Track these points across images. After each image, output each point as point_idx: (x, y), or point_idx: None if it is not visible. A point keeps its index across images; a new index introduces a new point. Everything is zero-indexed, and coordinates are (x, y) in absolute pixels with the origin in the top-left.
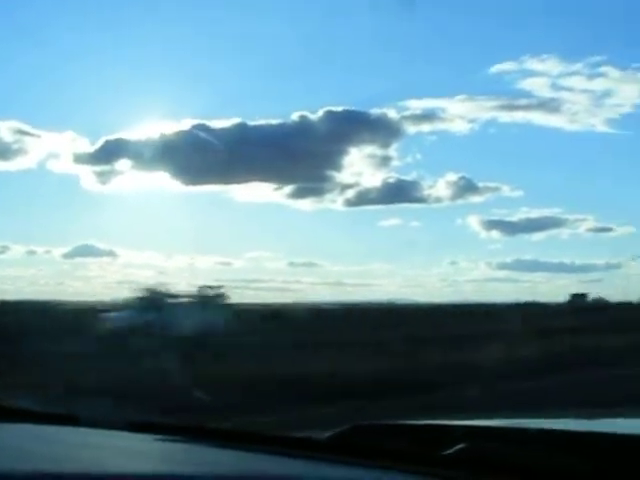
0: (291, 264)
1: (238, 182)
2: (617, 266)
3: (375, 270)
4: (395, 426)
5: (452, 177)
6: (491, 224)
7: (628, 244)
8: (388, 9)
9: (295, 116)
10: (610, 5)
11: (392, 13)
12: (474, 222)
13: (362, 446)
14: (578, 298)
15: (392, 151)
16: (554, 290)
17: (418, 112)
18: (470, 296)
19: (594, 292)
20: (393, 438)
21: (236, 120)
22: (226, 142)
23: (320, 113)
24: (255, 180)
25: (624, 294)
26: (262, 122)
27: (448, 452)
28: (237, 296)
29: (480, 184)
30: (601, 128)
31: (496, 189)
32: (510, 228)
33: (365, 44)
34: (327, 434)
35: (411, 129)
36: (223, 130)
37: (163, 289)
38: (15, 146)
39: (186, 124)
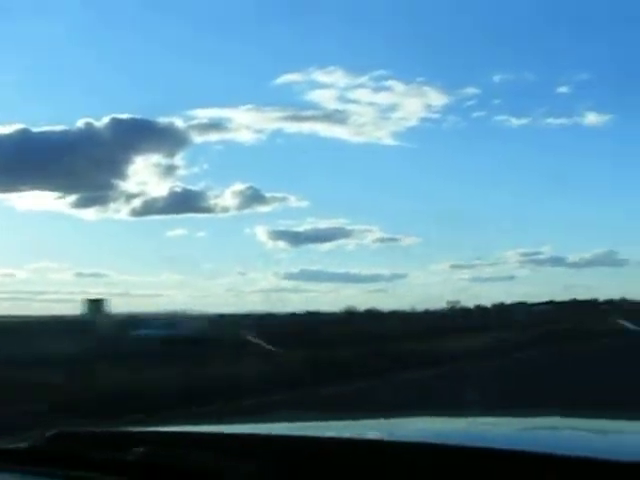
0: (78, 275)
1: (19, 190)
2: (403, 276)
3: (163, 280)
4: (90, 433)
5: (239, 187)
6: (278, 234)
7: (414, 254)
8: (176, 15)
9: (80, 123)
10: (395, 20)
11: (179, 19)
12: (261, 232)
13: (58, 454)
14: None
15: (179, 160)
16: (342, 300)
17: (205, 121)
18: (258, 306)
19: (381, 301)
20: (88, 445)
21: (19, 126)
22: (7, 149)
23: (105, 120)
24: (37, 188)
25: (410, 303)
26: (46, 129)
27: (124, 458)
28: (21, 308)
29: (267, 194)
30: (387, 141)
31: (283, 199)
32: (297, 238)
33: (154, 51)
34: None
35: (198, 138)
36: (4, 136)
37: None
38: None
39: None
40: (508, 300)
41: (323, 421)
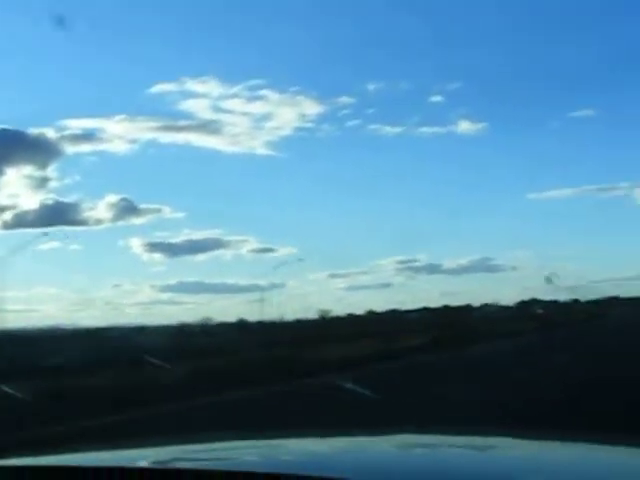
0: None
1: None
2: (280, 286)
3: (37, 294)
4: None
5: (113, 198)
6: (154, 246)
7: (290, 264)
8: (47, 23)
9: None
10: (269, 29)
11: (50, 28)
12: (136, 244)
13: None
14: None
15: (51, 172)
16: (224, 310)
17: (77, 132)
18: (135, 319)
19: (258, 311)
20: None
21: None
22: None
23: None
24: None
25: (289, 313)
26: None
27: None
28: None
29: (142, 206)
30: (261, 150)
31: (158, 211)
32: (173, 250)
33: (24, 61)
34: None
35: (70, 149)
36: None
37: None
38: None
39: None
40: (384, 307)
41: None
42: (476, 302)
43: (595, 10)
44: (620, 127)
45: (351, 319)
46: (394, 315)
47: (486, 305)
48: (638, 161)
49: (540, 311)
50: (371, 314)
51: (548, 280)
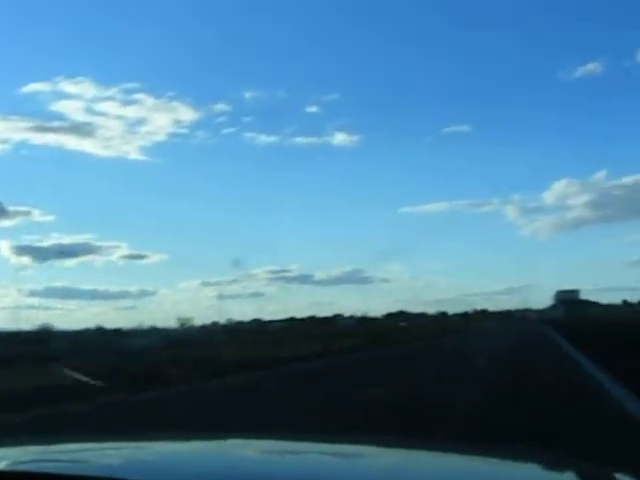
0: None
1: None
2: (152, 293)
3: None
4: None
5: None
6: (22, 250)
7: (162, 271)
8: None
9: None
10: (146, 31)
11: None
12: (4, 247)
13: None
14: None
15: None
16: (85, 317)
17: None
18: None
19: (130, 319)
20: None
21: None
22: None
23: None
24: None
25: (160, 320)
26: None
27: None
28: None
29: (10, 208)
30: (135, 155)
31: (27, 213)
32: (42, 254)
33: None
34: None
35: None
36: None
37: None
38: None
39: None
40: (252, 316)
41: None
42: (347, 313)
43: (470, 29)
44: (493, 144)
45: (216, 327)
46: (256, 325)
47: (350, 317)
48: (509, 177)
49: (403, 324)
50: (238, 324)
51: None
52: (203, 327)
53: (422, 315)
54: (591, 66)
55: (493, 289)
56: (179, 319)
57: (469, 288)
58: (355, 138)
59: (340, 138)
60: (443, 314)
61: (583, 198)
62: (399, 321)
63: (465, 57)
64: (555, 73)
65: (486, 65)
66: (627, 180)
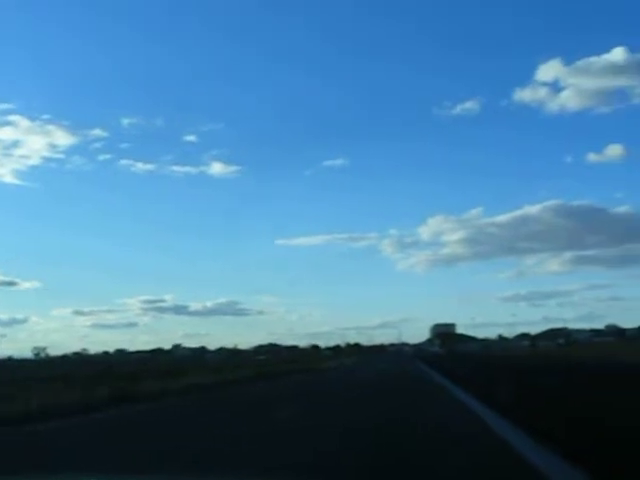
0: None
1: None
2: (22, 321)
3: None
4: None
5: None
6: None
7: (34, 298)
8: None
9: None
10: (21, 52)
11: None
12: None
13: None
14: None
15: None
16: None
17: None
18: None
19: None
20: None
21: None
22: None
23: None
24: None
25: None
26: None
27: None
28: None
29: None
30: (9, 179)
31: None
32: None
33: None
34: None
35: None
36: None
37: None
38: None
39: None
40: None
41: None
42: (218, 345)
43: (353, 61)
44: (371, 178)
45: (76, 357)
46: (118, 356)
47: (220, 349)
48: (386, 212)
49: (262, 357)
50: (106, 354)
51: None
52: (64, 357)
53: (294, 348)
54: (469, 104)
55: (369, 323)
56: (34, 348)
57: (344, 322)
58: (233, 169)
59: (218, 168)
60: (315, 347)
61: (458, 234)
62: (259, 355)
63: (346, 90)
64: (433, 109)
65: (367, 98)
66: (501, 218)
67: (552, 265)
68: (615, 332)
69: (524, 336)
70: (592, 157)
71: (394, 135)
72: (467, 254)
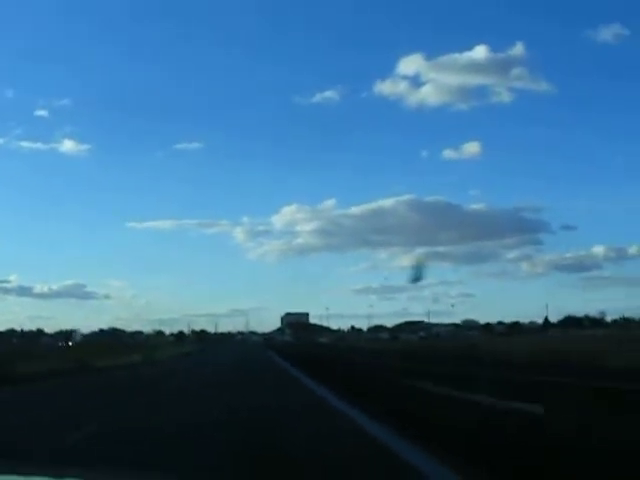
0: None
1: None
2: None
3: None
4: None
5: None
6: None
7: None
8: None
9: None
10: None
11: None
12: None
13: None
14: None
15: None
16: None
17: None
18: None
19: None
20: None
21: None
22: None
23: None
24: None
25: None
26: None
27: None
28: None
29: None
30: None
31: None
32: None
33: None
34: None
35: None
36: None
37: None
38: None
39: None
40: None
41: None
42: (58, 328)
43: (207, 47)
44: (226, 164)
45: None
46: None
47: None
48: (239, 199)
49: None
50: None
51: None
52: None
53: (139, 333)
54: (329, 93)
55: (218, 310)
56: None
57: (193, 308)
58: (85, 147)
59: (69, 146)
60: (160, 333)
61: (311, 225)
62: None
63: (205, 76)
64: (292, 97)
65: (226, 85)
66: (355, 210)
67: (405, 260)
68: (475, 327)
69: (379, 328)
70: (449, 153)
71: (252, 122)
72: (320, 245)
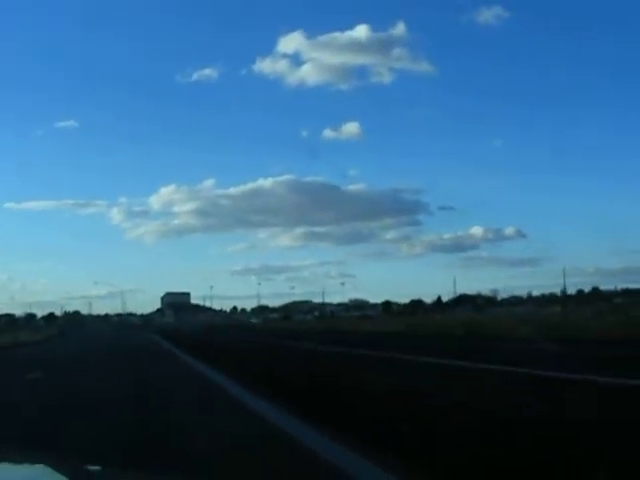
0: None
1: None
2: None
3: None
4: None
5: None
6: None
7: None
8: None
9: None
10: None
11: None
12: None
13: None
14: None
15: None
16: None
17: None
18: None
19: None
20: None
21: None
22: None
23: None
24: None
25: None
26: None
27: None
28: None
29: None
30: None
31: None
32: None
33: None
34: None
35: None
36: None
37: None
38: None
39: None
40: None
41: None
42: None
43: (91, 28)
44: (103, 143)
45: None
46: None
47: None
48: (117, 179)
49: None
50: None
51: None
52: None
53: (9, 316)
54: (208, 71)
55: (95, 292)
56: None
57: (69, 291)
58: None
59: None
60: (32, 316)
61: (190, 205)
62: None
63: (82, 55)
64: (172, 75)
65: (99, 60)
66: (233, 190)
67: (284, 240)
68: (364, 306)
69: (264, 309)
70: (329, 134)
71: (130, 101)
72: (199, 225)
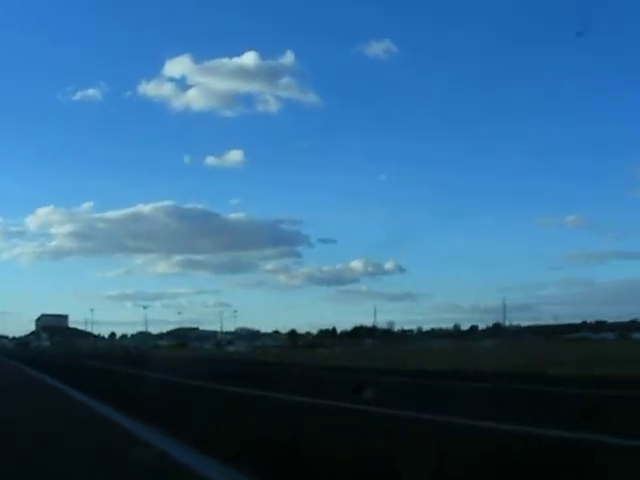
0: None
1: None
2: None
3: None
4: None
5: None
6: None
7: None
8: None
9: None
10: None
11: None
12: None
13: None
14: None
15: None
16: None
17: None
18: None
19: None
20: None
21: None
22: None
23: None
24: None
25: None
26: None
27: None
28: None
29: None
30: None
31: None
32: None
33: None
34: None
35: None
36: None
37: None
38: None
39: None
40: None
41: None
42: None
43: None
44: None
45: None
46: None
47: None
48: None
49: None
50: None
51: None
52: None
53: None
54: (91, 91)
55: None
56: None
57: None
58: None
59: None
60: None
61: (67, 228)
62: None
63: None
64: (54, 94)
65: None
66: (111, 214)
67: (161, 267)
68: (252, 335)
69: (145, 335)
70: (211, 160)
71: (10, 119)
72: (76, 249)
